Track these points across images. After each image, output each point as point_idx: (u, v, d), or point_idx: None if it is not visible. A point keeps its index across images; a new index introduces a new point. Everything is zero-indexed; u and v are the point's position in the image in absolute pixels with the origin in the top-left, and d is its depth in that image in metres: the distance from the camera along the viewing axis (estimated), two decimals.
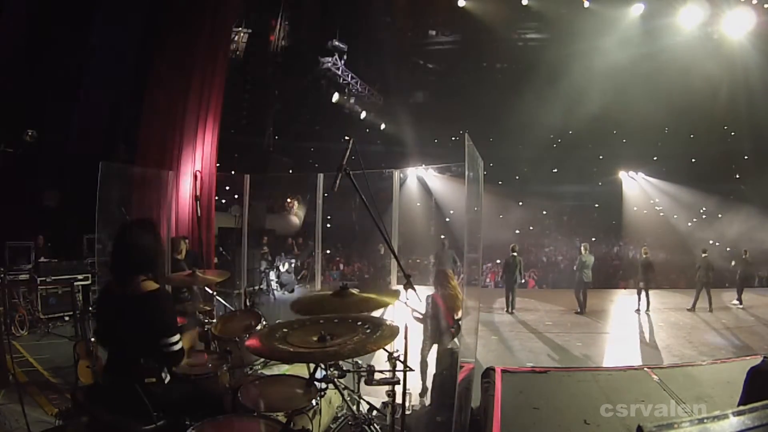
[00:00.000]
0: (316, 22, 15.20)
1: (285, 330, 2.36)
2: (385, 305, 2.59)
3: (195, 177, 6.10)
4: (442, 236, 11.18)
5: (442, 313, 4.36)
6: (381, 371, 2.82)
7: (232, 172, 12.31)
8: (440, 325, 4.36)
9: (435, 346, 4.49)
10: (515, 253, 10.31)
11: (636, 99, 15.19)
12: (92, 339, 3.15)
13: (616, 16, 13.43)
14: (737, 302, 10.04)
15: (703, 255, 10.50)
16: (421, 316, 4.16)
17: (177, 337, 2.32)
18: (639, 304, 9.67)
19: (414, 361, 3.92)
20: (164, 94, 8.81)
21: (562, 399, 3.97)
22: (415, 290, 2.53)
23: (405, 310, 2.62)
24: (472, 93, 15.07)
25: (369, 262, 13.86)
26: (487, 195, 4.28)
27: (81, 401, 2.30)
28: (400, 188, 5.74)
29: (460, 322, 4.36)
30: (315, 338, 2.25)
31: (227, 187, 9.87)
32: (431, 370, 4.47)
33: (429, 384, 4.43)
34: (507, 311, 9.76)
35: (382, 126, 16.97)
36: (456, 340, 4.34)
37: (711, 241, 16.49)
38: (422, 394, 4.37)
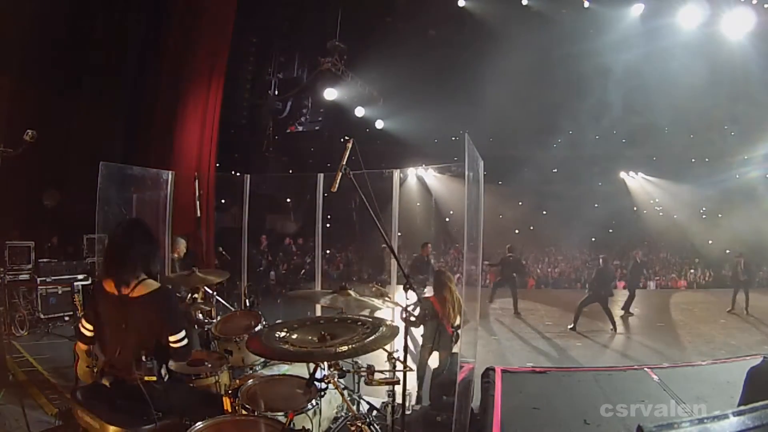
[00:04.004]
0: (315, 21, 15.18)
1: (285, 330, 2.36)
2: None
3: (195, 177, 6.09)
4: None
5: (440, 317, 4.18)
6: (381, 371, 2.82)
7: (232, 172, 12.31)
8: (439, 330, 4.19)
9: (435, 353, 4.32)
10: (512, 254, 10.28)
11: (636, 99, 15.19)
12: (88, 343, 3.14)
13: (616, 16, 13.42)
14: None
15: (737, 257, 10.44)
16: (414, 320, 4.02)
17: (183, 333, 2.33)
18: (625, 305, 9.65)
19: (413, 362, 3.90)
20: (164, 94, 8.83)
21: (562, 399, 3.98)
22: (415, 291, 2.53)
23: (399, 311, 2.62)
24: (472, 93, 15.05)
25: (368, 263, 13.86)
26: (487, 195, 4.25)
27: (81, 401, 2.30)
28: (400, 188, 5.71)
29: (459, 331, 4.24)
30: (315, 338, 2.25)
31: (227, 187, 9.86)
32: (429, 376, 4.30)
33: (424, 392, 4.29)
34: (506, 309, 9.68)
35: (382, 126, 16.97)
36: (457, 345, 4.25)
37: (710, 241, 16.52)
38: (418, 401, 4.21)
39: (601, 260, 9.16)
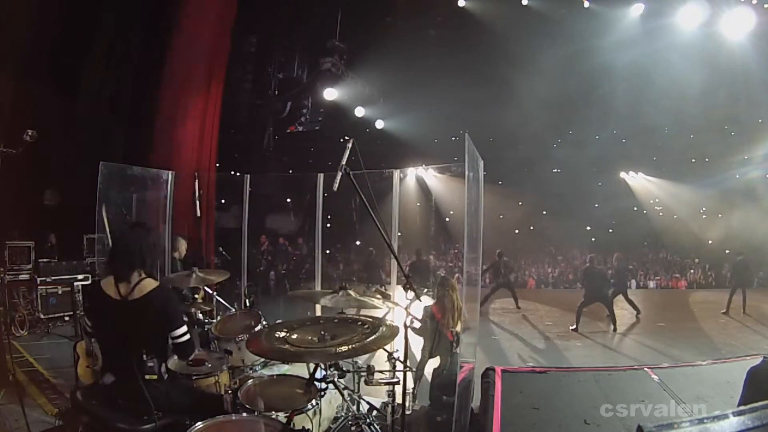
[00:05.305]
0: (315, 21, 15.19)
1: (285, 330, 2.36)
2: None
3: (195, 177, 6.10)
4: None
5: (440, 326, 4.17)
6: (381, 371, 2.81)
7: (232, 172, 12.31)
8: (438, 333, 4.18)
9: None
10: (501, 258, 10.20)
11: (636, 99, 15.18)
12: (92, 339, 3.15)
13: (616, 16, 13.42)
14: None
15: (739, 258, 10.39)
16: (418, 327, 4.05)
17: (184, 328, 2.39)
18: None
19: (413, 362, 3.90)
20: (165, 95, 8.84)
21: (562, 399, 3.97)
22: (415, 291, 2.53)
23: (404, 314, 2.61)
24: (472, 93, 15.04)
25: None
26: (487, 195, 4.25)
27: (81, 401, 2.30)
28: (400, 188, 5.72)
29: (460, 336, 4.23)
30: (315, 338, 2.25)
31: (227, 187, 9.86)
32: (427, 379, 4.30)
33: (419, 392, 4.28)
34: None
35: (382, 126, 16.97)
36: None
37: (710, 241, 16.51)
38: (413, 400, 4.23)
39: (588, 260, 9.01)
